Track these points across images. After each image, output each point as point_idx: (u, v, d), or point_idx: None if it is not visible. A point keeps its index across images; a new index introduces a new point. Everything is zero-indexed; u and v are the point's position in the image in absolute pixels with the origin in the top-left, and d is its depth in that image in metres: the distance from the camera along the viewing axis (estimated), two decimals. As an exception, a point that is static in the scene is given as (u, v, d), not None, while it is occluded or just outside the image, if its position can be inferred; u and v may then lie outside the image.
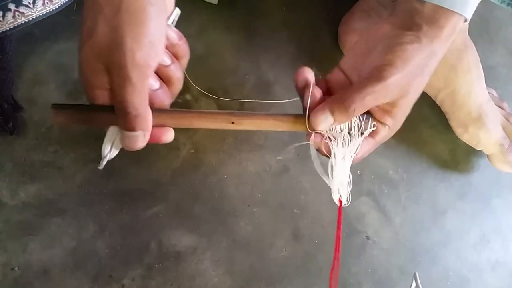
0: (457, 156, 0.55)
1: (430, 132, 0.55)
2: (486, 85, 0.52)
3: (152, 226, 0.46)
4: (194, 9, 0.54)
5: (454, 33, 0.34)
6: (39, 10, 0.39)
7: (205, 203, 0.48)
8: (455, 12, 0.33)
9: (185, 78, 0.48)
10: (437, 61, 0.33)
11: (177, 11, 0.37)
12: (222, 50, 0.53)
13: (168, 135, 0.34)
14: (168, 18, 0.35)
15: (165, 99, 0.34)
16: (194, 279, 0.46)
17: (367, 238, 0.50)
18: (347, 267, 0.48)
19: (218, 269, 0.46)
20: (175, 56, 0.34)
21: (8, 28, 0.38)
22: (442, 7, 0.32)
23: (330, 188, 0.37)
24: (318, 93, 0.34)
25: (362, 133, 0.35)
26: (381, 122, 0.35)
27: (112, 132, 0.33)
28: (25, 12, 0.38)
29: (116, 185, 0.47)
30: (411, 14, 0.33)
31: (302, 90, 0.36)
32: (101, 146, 0.49)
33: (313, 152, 0.36)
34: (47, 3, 0.39)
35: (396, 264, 0.49)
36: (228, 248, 0.47)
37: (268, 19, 0.55)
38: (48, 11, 0.39)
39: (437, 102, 0.54)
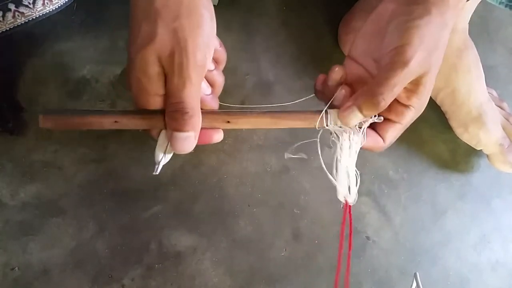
0: (457, 156, 0.55)
1: (430, 132, 0.55)
2: (486, 85, 0.52)
3: (152, 226, 0.46)
4: (194, 9, 0.54)
5: (462, 0, 0.33)
6: (39, 10, 0.39)
7: (205, 203, 0.48)
8: None
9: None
10: (449, 32, 0.33)
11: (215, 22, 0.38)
12: (222, 50, 0.53)
13: (219, 135, 0.35)
14: None
15: (214, 104, 0.36)
16: (194, 279, 0.46)
17: (367, 238, 0.50)
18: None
19: (218, 269, 0.46)
20: (216, 61, 0.36)
21: (8, 28, 0.38)
22: None
23: (331, 188, 0.36)
24: (347, 90, 0.35)
25: (360, 127, 0.34)
26: (405, 105, 0.34)
27: (163, 138, 0.33)
28: (25, 12, 0.38)
29: (116, 185, 0.47)
30: None
31: (329, 88, 0.36)
32: (102, 145, 0.49)
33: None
34: (47, 3, 0.39)
35: (396, 264, 0.49)
36: (228, 248, 0.47)
37: (268, 19, 0.55)
38: (48, 11, 0.39)
39: (437, 102, 0.54)
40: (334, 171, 0.36)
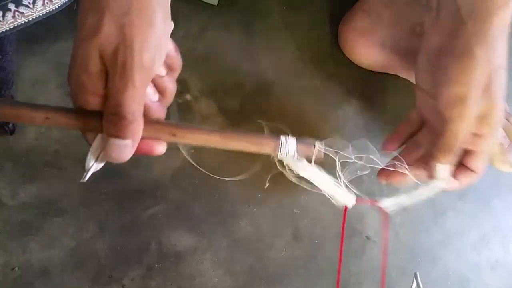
0: (457, 156, 0.55)
1: (430, 132, 0.55)
2: (486, 85, 0.52)
3: (152, 226, 0.46)
4: (194, 9, 0.54)
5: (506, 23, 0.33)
6: (39, 10, 0.39)
7: (205, 203, 0.48)
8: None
9: (184, 77, 0.48)
10: (504, 54, 0.33)
11: (171, 23, 0.36)
12: (222, 50, 0.53)
13: (162, 148, 0.33)
14: None
15: (161, 113, 0.33)
16: (194, 279, 0.46)
17: (367, 238, 0.50)
18: (347, 267, 0.48)
19: (218, 269, 0.46)
20: (169, 67, 0.33)
21: (8, 28, 0.38)
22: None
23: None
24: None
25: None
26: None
27: (98, 143, 0.31)
28: (25, 12, 0.38)
29: (116, 185, 0.47)
30: (454, 12, 0.32)
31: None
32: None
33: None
34: (47, 3, 0.39)
35: (396, 264, 0.49)
36: (228, 248, 0.47)
37: (268, 19, 0.55)
38: (48, 11, 0.39)
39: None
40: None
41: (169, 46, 0.33)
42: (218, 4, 0.54)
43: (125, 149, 0.30)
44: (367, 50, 0.52)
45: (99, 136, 0.31)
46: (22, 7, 0.38)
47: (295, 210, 0.49)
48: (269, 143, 0.33)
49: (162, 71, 0.32)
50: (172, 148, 0.50)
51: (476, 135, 0.35)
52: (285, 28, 0.55)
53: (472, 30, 0.32)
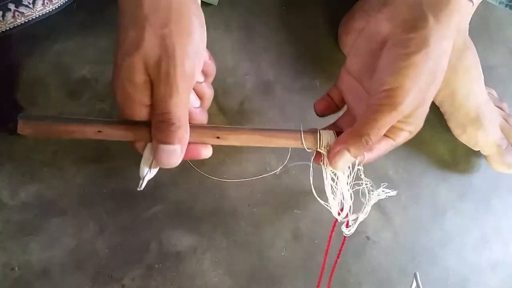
0: (457, 156, 0.55)
1: (430, 133, 0.55)
2: (486, 85, 0.52)
3: (152, 226, 0.46)
4: (194, 9, 0.54)
5: (463, 20, 0.32)
6: (39, 10, 0.39)
7: (205, 203, 0.48)
8: None
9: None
10: (448, 57, 0.32)
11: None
12: (222, 50, 0.53)
13: (208, 151, 0.34)
14: None
15: (203, 117, 0.34)
16: (194, 279, 0.46)
17: (367, 238, 0.50)
18: (347, 267, 0.48)
19: (218, 269, 0.46)
20: (205, 73, 0.35)
21: (8, 28, 0.38)
22: None
23: (323, 191, 0.37)
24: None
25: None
26: (400, 128, 0.33)
27: (149, 151, 0.32)
28: (25, 12, 0.38)
29: (116, 185, 0.47)
30: (413, 4, 0.30)
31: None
32: (103, 145, 0.49)
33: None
34: (47, 3, 0.39)
35: (396, 264, 0.49)
36: (228, 248, 0.47)
37: (268, 19, 0.55)
38: (48, 11, 0.39)
39: (436, 103, 0.54)
40: (328, 194, 0.36)
41: (205, 53, 0.34)
42: (218, 4, 0.54)
43: (174, 154, 0.31)
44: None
45: (149, 145, 0.32)
46: (22, 7, 0.38)
47: (295, 210, 0.49)
48: (307, 137, 0.34)
49: (200, 77, 0.33)
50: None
51: (398, 128, 0.33)
52: (285, 28, 0.55)
53: (433, 26, 0.29)
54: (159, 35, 0.28)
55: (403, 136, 0.34)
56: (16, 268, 0.43)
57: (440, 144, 0.55)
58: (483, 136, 0.51)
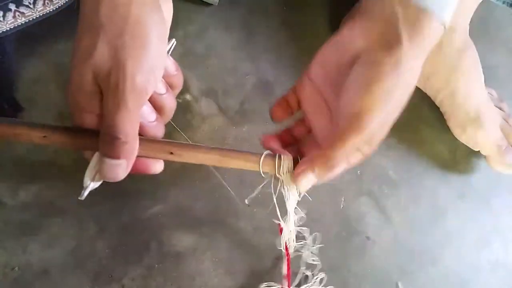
0: (457, 156, 0.55)
1: (430, 132, 0.55)
2: (486, 85, 0.52)
3: (152, 226, 0.46)
4: (194, 9, 0.54)
5: (434, 44, 0.30)
6: (40, 10, 0.39)
7: (205, 203, 0.48)
8: (437, 17, 0.29)
9: (184, 77, 0.48)
10: (417, 78, 0.30)
11: (173, 41, 0.35)
12: (222, 50, 0.53)
13: (159, 166, 0.33)
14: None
15: (158, 131, 0.33)
16: (194, 279, 0.46)
17: (367, 238, 0.50)
18: (347, 267, 0.48)
19: (218, 269, 0.46)
20: (169, 86, 0.33)
21: (8, 28, 0.38)
22: (426, 11, 0.29)
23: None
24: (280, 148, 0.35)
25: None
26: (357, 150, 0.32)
27: (95, 162, 0.31)
28: (25, 12, 0.38)
29: (116, 185, 0.47)
30: (389, 21, 0.29)
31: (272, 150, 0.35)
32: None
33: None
34: (48, 3, 0.39)
35: (396, 264, 0.49)
36: (228, 248, 0.47)
37: (268, 19, 0.55)
38: (48, 11, 0.39)
39: (436, 103, 0.54)
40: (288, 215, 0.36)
41: (169, 65, 0.33)
42: (218, 4, 0.54)
43: (118, 169, 0.30)
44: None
45: (96, 155, 0.31)
46: (23, 7, 0.38)
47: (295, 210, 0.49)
48: (268, 162, 0.33)
49: (161, 89, 0.32)
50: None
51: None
52: (285, 28, 0.55)
53: (406, 46, 0.28)
54: (112, 45, 0.27)
55: (358, 157, 0.32)
56: (16, 268, 0.43)
57: (440, 144, 0.55)
58: (483, 136, 0.51)
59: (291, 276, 0.41)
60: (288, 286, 0.39)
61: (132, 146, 0.29)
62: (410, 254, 0.50)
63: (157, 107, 0.33)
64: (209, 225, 0.47)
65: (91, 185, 0.32)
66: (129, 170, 0.30)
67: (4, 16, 0.37)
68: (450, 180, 0.54)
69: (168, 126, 0.49)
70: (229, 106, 0.51)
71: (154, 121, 0.32)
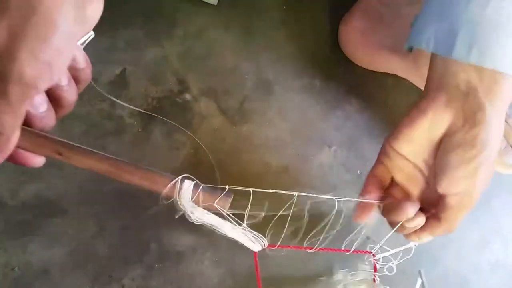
0: (457, 156, 0.54)
1: (430, 132, 0.55)
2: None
3: (152, 226, 0.46)
4: (194, 9, 0.54)
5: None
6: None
7: (205, 203, 0.48)
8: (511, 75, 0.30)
9: (184, 77, 0.48)
10: (501, 135, 0.33)
11: (91, 33, 0.34)
12: (222, 50, 0.53)
13: (39, 160, 0.31)
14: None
15: (48, 123, 0.31)
16: (194, 279, 0.46)
17: (367, 238, 0.50)
18: (347, 267, 0.48)
19: (218, 269, 0.46)
20: (74, 79, 0.32)
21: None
22: (501, 72, 0.30)
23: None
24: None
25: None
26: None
27: None
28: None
29: (116, 185, 0.47)
30: (469, 91, 0.31)
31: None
32: (102, 145, 0.49)
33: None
34: (47, 3, 0.39)
35: (396, 264, 0.49)
36: (228, 248, 0.47)
37: (268, 18, 0.55)
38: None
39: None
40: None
41: (78, 57, 0.31)
42: (218, 4, 0.54)
43: None
44: (367, 50, 0.52)
45: None
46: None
47: (295, 209, 0.49)
48: (165, 183, 0.32)
49: (63, 80, 0.30)
50: (172, 148, 0.50)
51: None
52: (285, 28, 0.55)
53: (491, 114, 0.31)
54: (11, 32, 0.25)
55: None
56: (16, 268, 0.43)
57: (440, 144, 0.55)
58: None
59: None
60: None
61: (7, 138, 0.28)
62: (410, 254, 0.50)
63: (54, 98, 0.31)
64: (209, 225, 0.47)
65: None
66: (1, 161, 0.29)
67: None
68: (450, 180, 0.53)
69: (169, 125, 0.49)
70: (229, 106, 0.51)
71: (43, 112, 0.30)
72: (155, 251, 0.46)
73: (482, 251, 0.52)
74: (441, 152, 0.34)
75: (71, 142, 0.30)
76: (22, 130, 0.28)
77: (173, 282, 0.45)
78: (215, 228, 0.34)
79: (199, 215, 0.33)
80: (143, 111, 0.49)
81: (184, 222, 0.48)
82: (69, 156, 0.30)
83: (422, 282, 0.41)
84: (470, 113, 0.31)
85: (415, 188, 0.38)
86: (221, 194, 0.33)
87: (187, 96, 0.51)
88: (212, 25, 0.54)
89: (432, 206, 0.38)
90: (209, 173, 0.49)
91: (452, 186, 0.34)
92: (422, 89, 0.55)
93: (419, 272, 0.42)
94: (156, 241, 0.46)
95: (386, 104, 0.55)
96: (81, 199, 0.46)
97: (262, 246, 0.38)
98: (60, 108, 0.31)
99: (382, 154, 0.39)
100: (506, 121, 0.53)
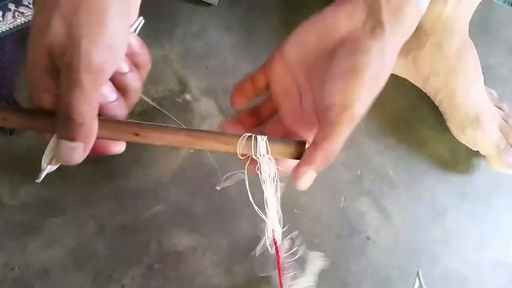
0: (457, 156, 0.55)
1: (430, 133, 0.55)
2: (486, 85, 0.52)
3: (152, 226, 0.46)
4: (194, 9, 0.54)
5: (412, 31, 0.31)
6: (39, 10, 0.39)
7: (205, 203, 0.48)
8: (416, 4, 0.30)
9: (184, 77, 0.48)
10: (391, 69, 0.31)
11: (141, 19, 0.34)
12: (222, 50, 0.53)
13: (120, 147, 0.31)
14: (131, 26, 0.33)
15: (120, 112, 0.31)
16: (194, 279, 0.46)
17: (367, 238, 0.50)
18: (347, 267, 0.48)
19: (218, 269, 0.46)
20: (135, 65, 0.32)
21: (8, 28, 0.38)
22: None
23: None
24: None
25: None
26: None
27: (53, 144, 0.30)
28: (25, 12, 0.38)
29: (116, 185, 0.47)
30: (373, 7, 0.30)
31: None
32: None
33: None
34: (47, 3, 0.39)
35: (396, 264, 0.49)
36: (228, 248, 0.47)
37: (268, 19, 0.55)
38: (48, 11, 0.39)
39: (436, 103, 0.54)
40: (272, 207, 0.35)
41: (133, 42, 0.31)
42: (218, 4, 0.54)
43: (74, 152, 0.28)
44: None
45: (54, 136, 0.29)
46: (22, 7, 0.38)
47: (295, 210, 0.49)
48: (242, 143, 0.32)
49: (124, 67, 0.31)
50: (172, 148, 0.50)
51: None
52: (285, 28, 0.55)
53: (389, 37, 0.30)
54: (67, 22, 0.26)
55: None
56: (16, 268, 0.43)
57: (440, 144, 0.55)
58: (482, 136, 0.51)
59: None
60: (279, 280, 0.37)
61: (89, 128, 0.28)
62: (410, 254, 0.50)
63: (120, 87, 0.31)
64: (209, 225, 0.47)
65: (48, 168, 0.30)
66: (87, 153, 0.29)
67: (3, 15, 0.37)
68: (450, 180, 0.54)
69: (170, 123, 0.49)
70: (229, 106, 0.51)
71: (114, 101, 0.31)
72: (155, 251, 0.46)
73: (482, 251, 0.52)
74: (329, 60, 0.31)
75: (143, 122, 0.31)
76: (99, 119, 0.29)
77: (173, 282, 0.45)
78: (270, 198, 0.34)
79: (271, 167, 0.33)
80: (152, 103, 0.49)
81: (184, 222, 0.48)
82: (146, 135, 0.30)
83: (420, 284, 0.41)
84: (369, 28, 0.30)
85: (287, 102, 0.35)
86: (294, 143, 0.32)
87: (187, 96, 0.51)
88: (212, 25, 0.54)
89: (303, 129, 0.34)
90: (209, 173, 0.49)
91: (335, 95, 0.30)
92: (422, 88, 0.55)
93: (417, 273, 0.42)
94: (156, 241, 0.46)
95: (386, 104, 0.55)
96: (81, 199, 0.46)
97: (276, 240, 0.37)
98: (127, 96, 0.32)
99: (269, 58, 0.35)
100: (506, 120, 0.53)
